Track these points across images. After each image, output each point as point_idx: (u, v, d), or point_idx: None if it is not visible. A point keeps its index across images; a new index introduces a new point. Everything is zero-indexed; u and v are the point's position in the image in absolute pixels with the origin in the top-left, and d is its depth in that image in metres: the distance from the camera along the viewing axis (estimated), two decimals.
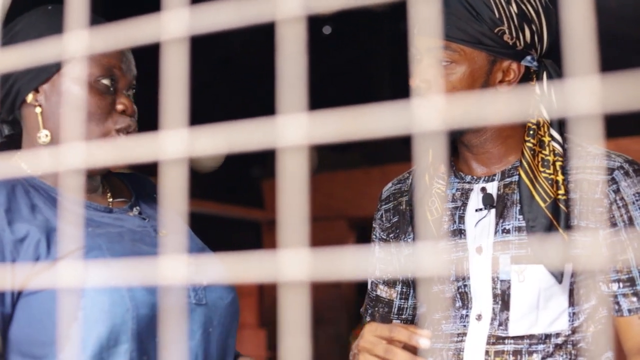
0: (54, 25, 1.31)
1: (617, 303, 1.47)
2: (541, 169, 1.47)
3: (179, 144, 0.52)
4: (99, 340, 1.20)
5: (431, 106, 1.58)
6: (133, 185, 1.49)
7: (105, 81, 1.32)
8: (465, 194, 1.57)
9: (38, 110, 1.32)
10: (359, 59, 5.30)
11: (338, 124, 0.50)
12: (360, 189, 5.42)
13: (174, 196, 0.53)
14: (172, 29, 0.54)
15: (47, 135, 1.31)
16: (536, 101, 1.51)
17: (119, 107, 1.34)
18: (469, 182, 1.58)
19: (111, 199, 1.41)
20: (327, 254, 0.49)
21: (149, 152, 0.53)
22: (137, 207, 1.43)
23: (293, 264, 0.49)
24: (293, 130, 0.49)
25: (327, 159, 6.19)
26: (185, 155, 0.52)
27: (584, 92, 0.45)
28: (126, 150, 0.55)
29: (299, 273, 0.49)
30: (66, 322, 1.19)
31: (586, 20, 0.48)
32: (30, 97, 1.33)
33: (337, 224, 5.35)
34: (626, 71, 0.47)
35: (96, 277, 1.21)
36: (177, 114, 0.53)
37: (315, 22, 4.87)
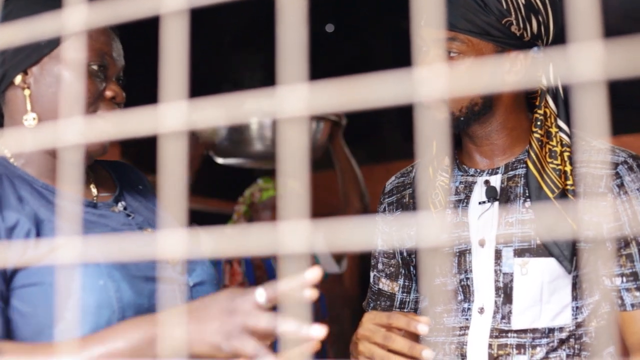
0: (49, 6, 1.28)
1: (621, 297, 1.46)
2: (549, 160, 1.47)
3: (179, 116, 0.52)
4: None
5: (436, 77, 1.55)
6: (118, 175, 1.47)
7: (96, 66, 1.31)
8: (469, 187, 1.56)
9: (27, 92, 1.30)
10: (362, 57, 5.29)
11: (338, 94, 0.49)
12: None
13: (173, 169, 0.52)
14: (171, 2, 0.53)
15: (34, 119, 1.29)
16: (543, 91, 1.50)
17: (109, 93, 1.32)
18: (472, 175, 1.57)
19: (96, 192, 1.38)
20: (326, 225, 0.49)
21: (149, 125, 0.53)
22: (122, 202, 1.40)
23: (293, 235, 0.49)
24: (293, 100, 0.49)
25: (328, 156, 6.17)
26: (185, 127, 0.52)
27: (587, 59, 0.44)
28: (126, 123, 0.54)
29: (298, 244, 0.48)
30: (53, 320, 1.18)
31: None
32: (18, 79, 1.31)
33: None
34: (626, 38, 0.46)
35: (82, 274, 1.20)
36: (177, 87, 0.53)
37: (317, 20, 4.86)
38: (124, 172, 1.49)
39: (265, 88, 0.49)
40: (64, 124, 0.52)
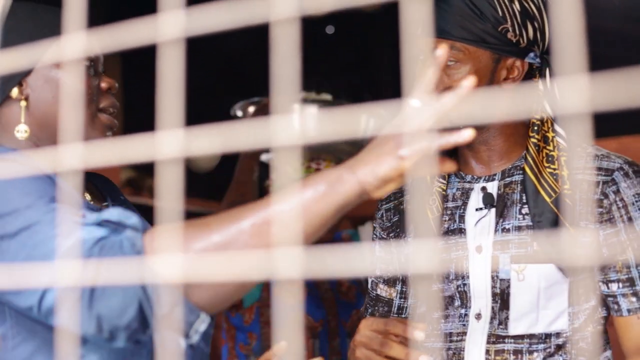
0: (49, 21, 1.30)
1: (617, 303, 1.47)
2: (546, 165, 1.48)
3: (175, 144, 0.53)
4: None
5: (434, 106, 1.57)
6: (102, 186, 1.47)
7: (87, 62, 1.34)
8: (466, 194, 1.57)
9: (23, 104, 1.31)
10: (362, 59, 5.30)
11: (331, 124, 0.50)
12: None
13: (170, 195, 0.54)
14: (168, 30, 0.54)
15: (26, 131, 1.30)
16: (539, 97, 1.52)
17: (104, 84, 1.34)
18: (469, 182, 1.58)
19: (92, 202, 1.40)
20: (319, 252, 0.50)
21: (146, 152, 0.54)
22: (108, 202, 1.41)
23: (287, 261, 0.50)
24: (286, 130, 0.50)
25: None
26: (182, 154, 0.53)
27: (573, 91, 0.46)
28: (124, 150, 0.56)
29: (292, 270, 0.50)
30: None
31: (575, 18, 0.48)
32: (15, 92, 1.32)
33: (341, 223, 5.35)
34: (618, 69, 0.48)
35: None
36: (173, 115, 0.54)
37: (318, 22, 4.87)
38: (105, 183, 1.49)
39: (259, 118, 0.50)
40: (63, 149, 0.54)
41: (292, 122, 0.51)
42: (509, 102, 1.51)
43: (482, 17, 1.45)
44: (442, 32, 1.47)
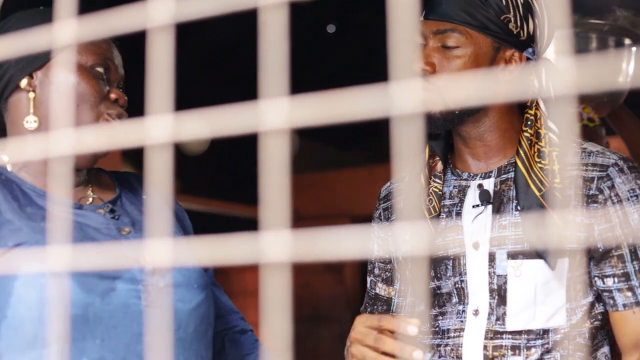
0: (46, 22, 1.32)
1: (612, 298, 1.48)
2: (537, 160, 1.48)
3: (165, 129, 0.53)
4: (25, 340, 1.19)
5: (433, 89, 1.58)
6: (121, 184, 1.48)
7: (100, 69, 1.35)
8: (462, 191, 1.58)
9: (31, 95, 1.33)
10: (363, 57, 5.30)
11: (319, 108, 0.50)
12: (365, 188, 5.43)
13: (159, 181, 0.54)
14: (157, 16, 0.55)
15: (35, 121, 1.32)
16: (534, 93, 1.52)
17: (113, 95, 1.36)
18: (465, 179, 1.59)
19: (92, 196, 1.40)
20: (308, 235, 0.50)
21: (135, 138, 0.54)
22: (110, 205, 1.41)
23: (274, 245, 0.50)
24: (274, 114, 0.50)
25: (332, 157, 6.20)
26: (171, 140, 0.53)
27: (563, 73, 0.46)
28: (113, 136, 0.56)
29: (280, 254, 0.50)
30: None
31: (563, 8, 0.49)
32: (24, 83, 1.34)
33: (341, 222, 5.36)
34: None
35: (29, 272, 1.20)
36: (163, 100, 0.54)
37: (319, 21, 4.87)
38: (128, 182, 1.50)
39: (248, 102, 0.50)
40: (55, 135, 0.54)
41: (280, 106, 0.51)
42: (505, 85, 1.52)
43: (486, 5, 1.47)
44: (445, 16, 1.48)
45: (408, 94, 0.50)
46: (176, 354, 1.31)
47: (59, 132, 0.57)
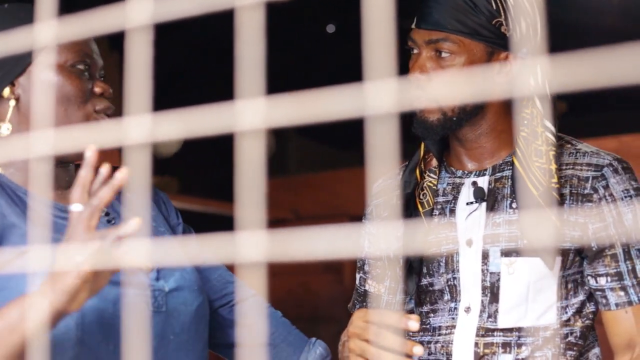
0: (12, 22, 1.31)
1: (605, 297, 1.48)
2: (534, 159, 1.49)
3: (142, 129, 0.54)
4: (41, 347, 1.18)
5: (429, 97, 1.56)
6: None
7: (81, 66, 1.35)
8: (457, 188, 1.58)
9: (12, 103, 1.33)
10: (363, 57, 5.30)
11: (296, 108, 0.51)
12: (364, 188, 5.41)
13: (137, 180, 0.54)
14: (136, 17, 0.55)
15: (8, 129, 1.32)
16: (530, 92, 1.52)
17: (97, 89, 1.36)
18: (460, 177, 1.59)
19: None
20: (282, 235, 0.50)
21: (114, 138, 0.54)
22: (105, 208, 1.41)
23: (250, 245, 0.50)
24: (251, 114, 0.50)
25: (331, 157, 6.20)
26: (148, 140, 0.53)
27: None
28: (91, 136, 0.56)
29: (255, 254, 0.50)
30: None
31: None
32: (7, 92, 1.34)
33: (339, 221, 5.36)
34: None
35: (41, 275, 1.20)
36: (141, 101, 0.54)
37: (318, 21, 4.87)
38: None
39: (224, 102, 0.50)
40: (37, 135, 0.54)
41: (257, 106, 0.51)
42: (500, 87, 1.52)
43: (476, 10, 1.47)
44: (437, 25, 1.48)
45: (383, 94, 0.50)
46: (180, 356, 1.32)
47: (37, 134, 0.57)
